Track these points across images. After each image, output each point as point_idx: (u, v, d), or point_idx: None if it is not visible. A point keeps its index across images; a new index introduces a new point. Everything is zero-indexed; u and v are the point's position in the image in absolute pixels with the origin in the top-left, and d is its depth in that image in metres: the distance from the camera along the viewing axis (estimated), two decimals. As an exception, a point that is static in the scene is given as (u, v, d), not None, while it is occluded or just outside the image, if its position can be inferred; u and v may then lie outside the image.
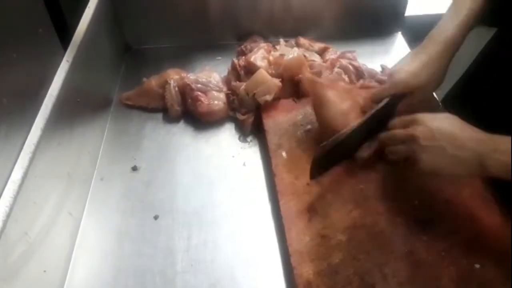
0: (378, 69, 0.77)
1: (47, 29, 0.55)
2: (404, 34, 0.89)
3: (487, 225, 0.52)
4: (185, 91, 0.71)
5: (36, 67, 0.52)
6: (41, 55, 0.54)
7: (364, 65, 0.76)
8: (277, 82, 0.67)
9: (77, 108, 0.60)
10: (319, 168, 0.56)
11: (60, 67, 0.56)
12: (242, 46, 0.80)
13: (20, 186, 0.44)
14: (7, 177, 0.44)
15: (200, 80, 0.72)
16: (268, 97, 0.67)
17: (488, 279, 0.47)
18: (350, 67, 0.73)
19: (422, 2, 0.91)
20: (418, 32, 0.89)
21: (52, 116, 0.51)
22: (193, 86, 0.71)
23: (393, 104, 0.59)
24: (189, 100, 0.70)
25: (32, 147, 0.47)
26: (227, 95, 0.72)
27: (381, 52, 0.85)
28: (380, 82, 0.73)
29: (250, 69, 0.71)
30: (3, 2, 0.46)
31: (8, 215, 0.41)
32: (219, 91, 0.72)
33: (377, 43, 0.87)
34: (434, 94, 0.71)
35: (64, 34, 0.59)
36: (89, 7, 0.68)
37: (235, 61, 0.74)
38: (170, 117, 0.71)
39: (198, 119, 0.70)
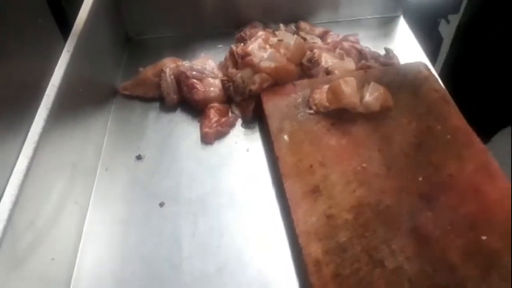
0: (381, 52, 0.77)
1: (47, 19, 0.55)
2: (406, 17, 0.88)
3: (492, 196, 0.52)
4: (180, 79, 0.71)
5: (36, 57, 0.52)
6: (42, 46, 0.54)
7: (367, 47, 0.76)
8: (264, 75, 0.67)
9: (79, 99, 0.60)
10: None
11: (61, 58, 0.56)
12: (242, 33, 0.80)
13: (26, 176, 0.44)
14: (12, 167, 0.44)
15: (195, 67, 0.72)
16: (253, 87, 0.67)
17: (494, 249, 0.47)
18: (353, 49, 0.73)
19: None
20: (419, 14, 0.89)
21: (55, 107, 0.51)
22: (188, 73, 0.70)
23: None
24: (185, 88, 0.70)
25: (36, 137, 0.47)
26: (222, 82, 0.72)
27: (383, 35, 0.85)
28: (383, 64, 0.73)
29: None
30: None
31: (14, 204, 0.42)
32: (215, 77, 0.72)
33: (379, 27, 0.87)
34: (433, 70, 0.71)
35: (64, 24, 0.59)
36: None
37: (234, 48, 0.74)
38: (167, 106, 0.71)
39: (195, 107, 0.70)
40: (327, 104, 0.64)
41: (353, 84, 0.63)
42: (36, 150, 0.46)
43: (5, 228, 0.40)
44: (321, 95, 0.65)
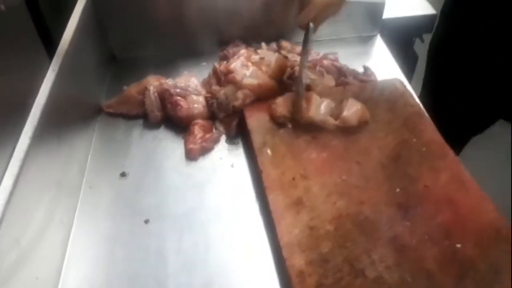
0: (359, 69, 0.80)
1: (33, 39, 0.56)
2: (382, 36, 0.93)
3: (465, 206, 0.54)
4: (164, 96, 0.72)
5: (22, 76, 0.53)
6: (28, 65, 0.55)
7: (346, 65, 0.79)
8: (247, 92, 0.70)
9: (64, 117, 0.60)
10: None
11: (47, 76, 0.57)
12: (225, 51, 0.82)
13: (11, 193, 0.44)
14: (-2, 184, 0.45)
15: (178, 85, 0.74)
16: (236, 103, 0.70)
17: (468, 256, 0.50)
18: (332, 67, 0.76)
19: (398, 5, 0.95)
20: (395, 34, 0.93)
21: (40, 124, 0.52)
22: (172, 91, 0.72)
23: None
24: (169, 105, 0.72)
25: (22, 155, 0.48)
26: (206, 98, 0.73)
27: (361, 54, 0.88)
28: (361, 81, 0.76)
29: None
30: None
31: (0, 222, 0.42)
32: (198, 94, 0.74)
33: (357, 45, 0.91)
34: (409, 86, 0.74)
35: (49, 43, 0.60)
36: (73, 16, 0.69)
37: (217, 65, 0.76)
38: (151, 123, 0.73)
39: (178, 124, 0.72)
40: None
41: (316, 101, 0.66)
42: (22, 168, 0.47)
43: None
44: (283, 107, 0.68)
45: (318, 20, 0.66)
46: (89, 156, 0.68)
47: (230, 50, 0.83)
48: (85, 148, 0.68)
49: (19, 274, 0.45)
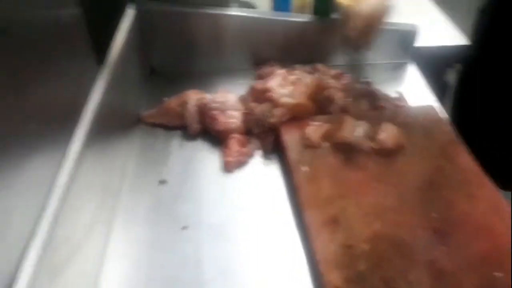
0: (392, 95, 0.81)
1: (87, 48, 0.59)
2: (415, 64, 0.94)
3: (503, 236, 0.55)
4: (203, 110, 0.75)
5: (76, 82, 0.56)
6: (81, 72, 0.57)
7: (379, 89, 0.81)
8: (283, 110, 0.72)
9: (110, 124, 0.63)
10: None
11: (98, 84, 0.60)
12: (261, 71, 0.85)
13: (66, 192, 0.46)
14: (53, 182, 0.47)
15: (217, 100, 0.76)
16: (272, 120, 0.72)
17: (508, 286, 0.49)
18: (366, 90, 0.78)
19: (431, 35, 0.97)
20: (427, 62, 0.95)
21: (91, 129, 0.54)
22: (210, 105, 0.75)
23: None
24: (207, 119, 0.74)
25: (75, 155, 0.50)
26: (243, 114, 0.75)
27: (393, 80, 0.90)
28: (395, 106, 0.77)
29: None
30: (53, 24, 0.50)
31: (56, 218, 0.44)
32: (235, 110, 0.76)
33: (389, 72, 0.93)
34: (442, 113, 0.75)
35: (99, 53, 0.63)
36: (121, 30, 0.73)
37: (254, 83, 0.79)
38: (189, 134, 0.75)
39: (216, 137, 0.74)
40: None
41: (351, 123, 0.68)
42: (75, 168, 0.49)
43: (46, 242, 0.42)
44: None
45: (366, 32, 0.67)
46: (130, 163, 0.70)
47: (266, 70, 0.85)
48: (127, 155, 0.70)
49: (67, 270, 0.46)
